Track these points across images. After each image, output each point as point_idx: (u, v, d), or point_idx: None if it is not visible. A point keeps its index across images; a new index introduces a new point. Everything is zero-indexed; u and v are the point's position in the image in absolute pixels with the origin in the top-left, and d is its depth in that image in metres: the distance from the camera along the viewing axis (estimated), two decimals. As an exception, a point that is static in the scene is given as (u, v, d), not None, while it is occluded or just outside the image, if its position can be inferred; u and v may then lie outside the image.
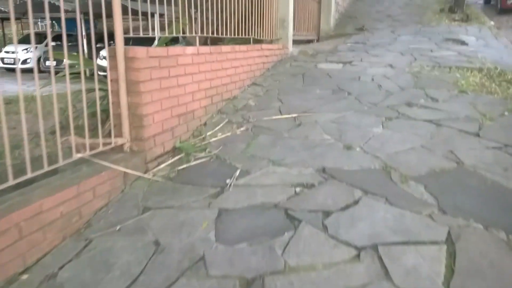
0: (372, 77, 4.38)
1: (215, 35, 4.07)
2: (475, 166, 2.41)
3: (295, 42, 7.33)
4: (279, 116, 3.47)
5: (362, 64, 5.00)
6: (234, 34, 4.47)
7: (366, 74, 4.52)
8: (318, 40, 9.25)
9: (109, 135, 2.51)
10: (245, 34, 4.70)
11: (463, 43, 6.40)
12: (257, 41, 5.08)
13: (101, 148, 2.36)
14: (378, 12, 11.33)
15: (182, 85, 3.01)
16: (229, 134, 3.16)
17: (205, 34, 3.68)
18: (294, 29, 6.98)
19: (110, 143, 2.44)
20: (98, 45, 2.52)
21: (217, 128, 3.28)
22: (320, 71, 4.80)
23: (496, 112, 3.19)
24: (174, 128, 2.92)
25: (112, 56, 2.46)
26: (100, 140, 2.36)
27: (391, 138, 2.88)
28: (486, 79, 4.20)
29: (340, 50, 6.22)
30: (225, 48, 3.77)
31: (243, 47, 4.22)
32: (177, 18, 3.42)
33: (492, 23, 9.06)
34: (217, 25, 4.24)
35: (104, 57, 11.98)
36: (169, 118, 2.86)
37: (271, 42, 5.58)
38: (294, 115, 3.47)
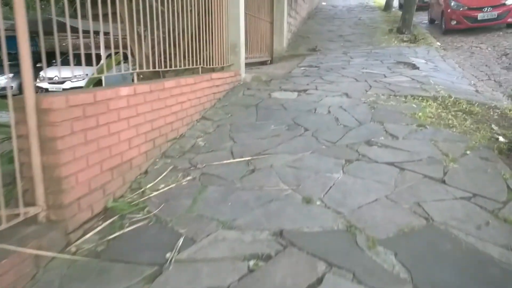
0: (329, 109, 4.15)
1: (158, 68, 3.68)
2: (446, 223, 2.18)
3: (248, 65, 7.07)
4: (231, 160, 3.12)
5: (317, 93, 4.79)
6: (181, 65, 4.11)
7: (322, 105, 4.30)
8: (271, 62, 9.08)
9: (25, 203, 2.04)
10: (193, 64, 4.35)
11: (414, 66, 6.42)
12: (207, 70, 4.75)
13: (4, 224, 1.88)
14: (330, 32, 11.42)
15: (115, 133, 2.59)
16: (173, 185, 2.76)
17: (145, 69, 3.29)
18: (246, 51, 6.73)
19: (18, 215, 1.97)
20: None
21: (159, 178, 2.87)
22: (275, 101, 4.53)
23: (458, 151, 3.04)
24: (105, 185, 2.48)
25: (20, 108, 2.00)
26: (3, 212, 1.88)
27: (353, 186, 2.61)
28: (442, 109, 4.11)
29: (294, 75, 6.01)
30: (168, 83, 3.38)
31: (190, 80, 3.85)
32: (124, 37, 3.03)
33: (438, 44, 9.34)
34: (165, 49, 3.86)
35: (49, 78, 11.19)
36: (99, 174, 2.42)
37: (222, 69, 5.26)
38: (247, 158, 3.13)
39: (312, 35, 10.99)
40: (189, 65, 4.28)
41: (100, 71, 2.69)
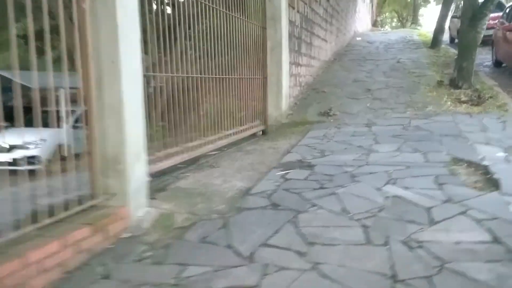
0: None
1: None
2: None
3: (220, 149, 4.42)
4: None
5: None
6: None
7: None
8: (264, 132, 6.36)
9: None
10: None
11: (487, 176, 3.35)
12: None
13: None
14: (356, 82, 8.51)
15: None
16: None
17: None
18: (204, 132, 4.13)
19: None
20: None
21: None
22: None
23: None
24: None
25: None
26: None
27: None
28: None
29: (249, 205, 3.12)
30: None
31: None
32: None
33: (517, 105, 6.11)
34: None
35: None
36: None
37: (81, 213, 2.56)
38: None
39: (330, 88, 8.14)
40: None
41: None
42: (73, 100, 2.67)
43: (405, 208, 2.87)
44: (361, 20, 21.23)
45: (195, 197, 3.28)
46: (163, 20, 3.66)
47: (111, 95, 2.70)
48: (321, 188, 3.38)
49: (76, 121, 3.14)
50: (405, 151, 4.25)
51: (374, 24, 28.85)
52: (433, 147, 4.28)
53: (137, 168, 2.87)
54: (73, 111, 2.84)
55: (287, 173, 3.85)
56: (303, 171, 3.87)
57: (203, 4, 4.46)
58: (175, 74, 4.16)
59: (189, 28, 4.27)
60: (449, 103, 6.23)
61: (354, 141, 4.85)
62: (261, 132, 6.35)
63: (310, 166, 4.01)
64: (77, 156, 2.77)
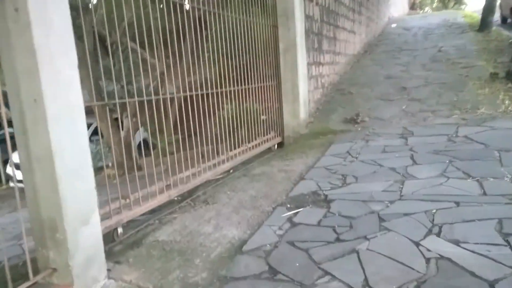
0: None
1: None
2: None
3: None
4: None
5: None
6: None
7: None
8: (281, 144, 5.59)
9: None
10: None
11: None
12: None
13: None
14: (389, 79, 7.45)
15: None
16: None
17: None
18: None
19: None
20: None
21: None
22: None
23: None
24: None
25: None
26: None
27: None
28: None
29: (239, 275, 2.31)
30: None
31: None
32: None
33: None
34: None
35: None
36: None
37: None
38: None
39: (358, 88, 7.15)
40: None
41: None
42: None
43: (457, 281, 1.97)
44: (397, 3, 19.69)
45: (172, 258, 2.54)
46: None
47: (37, 143, 2.01)
48: (338, 240, 2.54)
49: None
50: (453, 176, 3.28)
51: (412, 6, 26.90)
52: (491, 169, 3.28)
53: (85, 234, 2.17)
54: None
55: (296, 213, 3.03)
56: (317, 211, 3.02)
57: (201, 10, 3.78)
58: (175, 95, 3.47)
59: (189, 36, 3.55)
60: (507, 102, 5.09)
61: (385, 161, 3.92)
62: (276, 145, 5.56)
63: (326, 202, 3.16)
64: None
